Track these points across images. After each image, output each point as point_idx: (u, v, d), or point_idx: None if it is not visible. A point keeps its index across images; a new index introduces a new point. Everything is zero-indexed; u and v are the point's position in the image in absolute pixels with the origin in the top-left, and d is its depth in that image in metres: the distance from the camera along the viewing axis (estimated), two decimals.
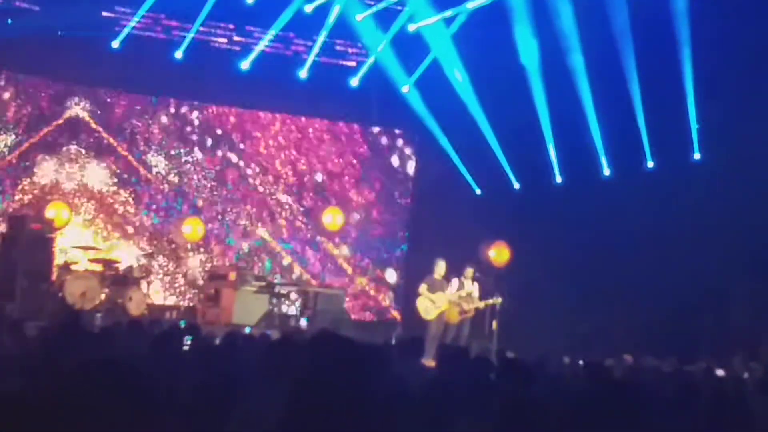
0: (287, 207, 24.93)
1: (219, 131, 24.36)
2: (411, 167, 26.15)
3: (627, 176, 21.92)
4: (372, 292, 25.69)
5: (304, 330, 19.97)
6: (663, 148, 21.43)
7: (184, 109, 24.06)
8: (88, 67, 22.01)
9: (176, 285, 23.61)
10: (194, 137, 24.16)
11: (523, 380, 7.97)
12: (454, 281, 20.43)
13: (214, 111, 24.40)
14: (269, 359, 6.91)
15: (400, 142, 26.08)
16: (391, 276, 25.91)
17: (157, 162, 23.69)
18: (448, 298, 20.21)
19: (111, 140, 23.15)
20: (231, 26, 22.88)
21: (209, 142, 24.25)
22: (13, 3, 21.20)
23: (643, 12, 19.28)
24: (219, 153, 24.35)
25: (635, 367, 15.75)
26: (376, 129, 25.82)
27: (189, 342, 9.99)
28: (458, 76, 22.13)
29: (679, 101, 20.34)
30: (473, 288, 20.51)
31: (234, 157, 24.47)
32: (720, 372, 14.67)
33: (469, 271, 20.57)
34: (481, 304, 20.45)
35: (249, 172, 24.57)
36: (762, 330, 19.16)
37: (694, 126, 20.79)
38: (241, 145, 24.56)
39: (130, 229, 23.38)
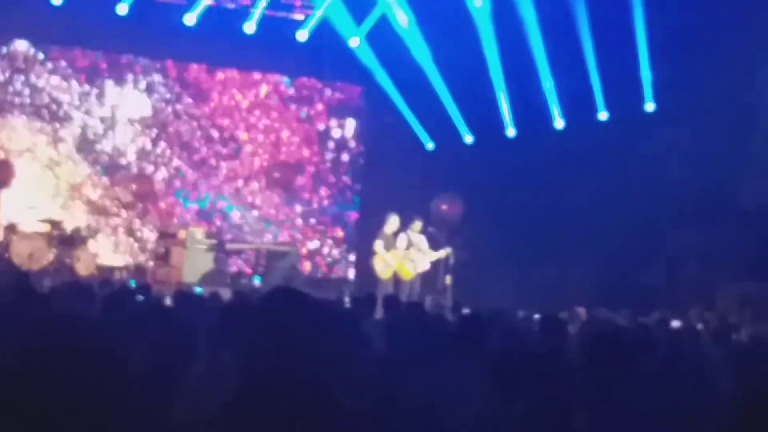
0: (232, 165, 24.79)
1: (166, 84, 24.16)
2: (361, 121, 25.97)
3: (579, 128, 21.89)
4: (325, 250, 25.59)
5: (257, 289, 19.84)
6: (616, 99, 21.40)
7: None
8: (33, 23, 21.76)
9: (124, 244, 23.40)
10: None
11: (480, 335, 7.89)
12: (402, 236, 20.33)
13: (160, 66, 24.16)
14: (223, 320, 6.80)
15: (350, 96, 25.89)
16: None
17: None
18: (400, 255, 20.15)
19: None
20: None
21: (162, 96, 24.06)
22: None
23: None
24: (168, 107, 24.12)
25: (589, 320, 15.76)
26: (325, 83, 25.58)
27: (140, 300, 9.86)
28: (403, 21, 21.93)
29: (631, 51, 20.30)
30: (423, 241, 20.45)
31: (182, 112, 24.22)
32: (675, 323, 14.71)
33: (417, 225, 20.48)
34: (434, 256, 20.43)
35: (198, 128, 24.35)
36: (716, 281, 19.23)
37: (646, 76, 20.76)
38: (184, 99, 24.34)
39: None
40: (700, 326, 15.08)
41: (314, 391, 3.62)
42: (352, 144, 25.94)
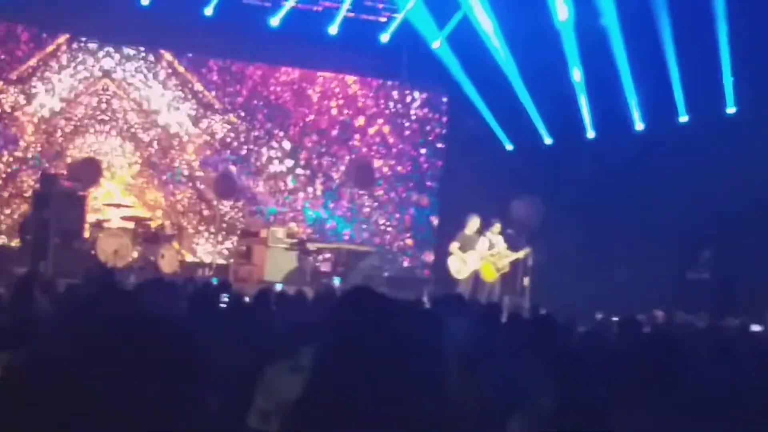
0: (319, 165, 24.99)
1: (250, 86, 24.37)
2: (442, 123, 26.04)
3: (660, 130, 21.76)
4: (405, 251, 25.70)
5: (338, 288, 20.00)
6: (696, 101, 21.25)
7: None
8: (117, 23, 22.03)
9: (207, 242, 23.67)
10: (232, 95, 24.20)
11: (557, 337, 7.94)
12: (483, 239, 20.44)
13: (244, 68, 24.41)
14: (302, 318, 6.90)
15: (431, 97, 25.97)
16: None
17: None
18: (480, 256, 20.24)
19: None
20: None
21: (243, 100, 24.29)
22: None
23: None
24: (252, 107, 24.36)
25: (667, 323, 15.71)
26: (407, 85, 25.68)
27: (226, 299, 10.01)
28: (487, 25, 21.96)
29: (712, 54, 20.13)
30: (502, 242, 20.54)
31: (267, 113, 24.45)
32: (756, 327, 14.61)
33: (497, 226, 20.60)
34: (513, 257, 20.49)
35: (277, 129, 24.58)
36: None
37: (728, 79, 20.59)
38: (274, 101, 24.57)
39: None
40: None
41: (388, 390, 3.68)
42: (434, 145, 26.01)
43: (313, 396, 3.72)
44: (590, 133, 23.17)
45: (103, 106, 22.89)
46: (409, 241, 25.76)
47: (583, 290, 19.94)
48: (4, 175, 22.11)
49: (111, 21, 21.80)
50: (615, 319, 14.12)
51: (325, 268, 23.02)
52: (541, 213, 22.76)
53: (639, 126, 22.35)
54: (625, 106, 22.06)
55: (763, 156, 19.24)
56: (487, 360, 6.64)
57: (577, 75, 22.08)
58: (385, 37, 23.11)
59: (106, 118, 22.90)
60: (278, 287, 17.61)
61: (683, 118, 21.55)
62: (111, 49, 23.01)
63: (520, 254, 20.62)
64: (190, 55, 23.79)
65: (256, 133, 24.37)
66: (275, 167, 24.50)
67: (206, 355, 3.50)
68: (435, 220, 25.90)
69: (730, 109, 20.83)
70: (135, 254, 20.07)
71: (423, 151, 25.94)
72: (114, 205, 21.83)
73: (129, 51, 23.21)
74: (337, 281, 21.17)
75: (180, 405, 3.29)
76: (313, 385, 3.79)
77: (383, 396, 3.65)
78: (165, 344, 3.41)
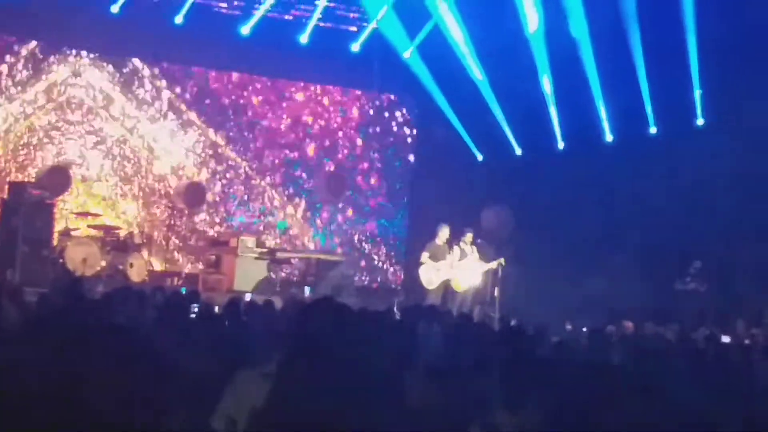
0: (286, 175, 24.95)
1: (221, 95, 24.31)
2: (412, 133, 26.07)
3: (629, 142, 21.87)
4: (374, 260, 25.69)
5: (307, 298, 19.97)
6: (666, 113, 21.37)
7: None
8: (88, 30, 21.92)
9: (176, 251, 23.57)
10: (201, 104, 24.13)
11: (527, 347, 7.95)
12: (455, 249, 20.48)
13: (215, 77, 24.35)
14: (269, 328, 6.89)
15: (401, 107, 26.00)
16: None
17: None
18: (450, 267, 20.28)
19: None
20: None
21: (211, 107, 24.20)
22: None
23: None
24: (222, 116, 24.29)
25: (637, 334, 15.76)
26: (378, 95, 25.70)
27: (195, 309, 9.98)
28: (458, 36, 22.00)
29: (681, 66, 20.26)
30: (474, 252, 20.58)
31: (238, 123, 24.39)
32: (724, 338, 14.68)
33: (469, 236, 20.65)
34: (486, 267, 20.54)
35: (250, 137, 24.52)
36: (764, 296, 19.14)
37: (696, 91, 20.72)
38: (247, 111, 24.52)
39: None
40: (747, 342, 15.07)
41: (349, 399, 3.68)
42: (405, 155, 26.04)
43: (277, 402, 3.72)
44: (560, 144, 23.23)
45: (73, 115, 22.73)
46: (379, 251, 25.73)
47: (552, 301, 19.97)
48: None
49: (81, 29, 21.68)
50: (584, 329, 14.18)
51: (295, 277, 22.99)
52: (511, 223, 22.79)
53: (609, 137, 22.44)
54: (595, 117, 22.16)
55: (730, 167, 19.36)
56: (454, 371, 6.63)
57: (547, 85, 22.15)
58: (355, 47, 23.10)
59: (76, 126, 22.74)
60: (248, 297, 17.56)
61: (652, 130, 21.67)
62: (82, 57, 22.86)
63: (493, 264, 20.65)
64: (164, 64, 23.67)
65: (227, 143, 24.26)
66: (245, 176, 24.41)
67: (173, 363, 3.48)
68: (405, 230, 25.89)
69: (699, 121, 20.97)
70: (103, 263, 19.95)
71: (394, 161, 25.94)
72: (82, 214, 21.71)
73: (98, 59, 23.05)
74: (307, 290, 21.13)
75: (146, 412, 3.28)
76: (276, 391, 3.79)
77: (344, 404, 3.65)
78: (131, 352, 3.39)
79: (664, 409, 5.44)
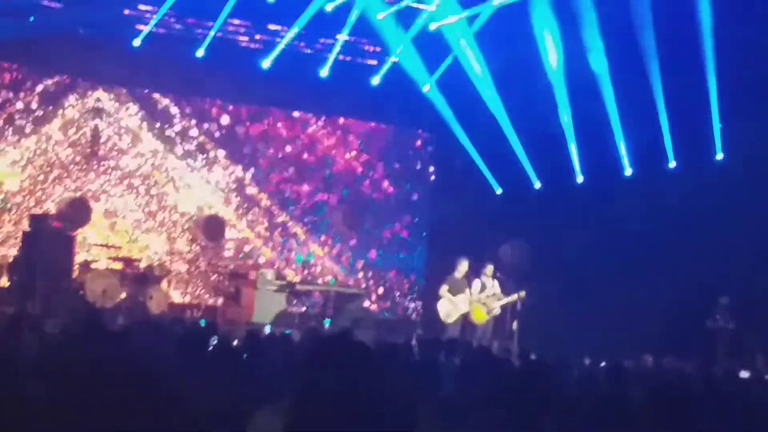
0: (305, 206, 24.98)
1: (243, 129, 24.39)
2: (432, 166, 26.10)
3: (649, 176, 21.85)
4: (394, 293, 25.66)
5: (326, 331, 19.96)
6: (685, 148, 21.37)
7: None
8: (110, 65, 22.03)
9: (196, 284, 23.59)
10: (218, 135, 24.19)
11: (545, 382, 7.92)
12: (476, 281, 20.53)
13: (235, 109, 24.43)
14: (288, 362, 6.89)
15: (421, 140, 26.04)
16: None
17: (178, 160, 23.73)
18: (469, 300, 20.29)
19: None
20: (252, 24, 22.80)
21: (233, 140, 24.29)
22: (35, 0, 21.16)
23: (666, 11, 19.18)
24: (244, 150, 24.36)
25: (657, 368, 15.69)
26: (397, 128, 25.75)
27: (214, 342, 9.97)
28: (477, 70, 22.02)
29: (702, 101, 20.26)
30: (495, 285, 20.61)
31: (255, 154, 24.46)
32: (744, 373, 14.60)
33: (490, 268, 20.70)
34: (506, 301, 20.53)
35: (268, 170, 24.58)
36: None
37: (717, 126, 20.72)
38: (263, 143, 24.58)
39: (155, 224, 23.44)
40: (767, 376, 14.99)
41: None
42: (424, 188, 26.06)
43: None
44: (579, 178, 23.21)
45: (96, 147, 22.82)
46: (399, 284, 25.71)
47: (571, 335, 19.92)
48: None
49: (102, 63, 21.82)
50: (603, 364, 14.11)
51: (314, 310, 23.00)
52: (530, 257, 22.76)
53: (628, 171, 22.43)
54: (614, 151, 22.16)
55: (751, 201, 19.34)
56: (472, 405, 6.62)
57: (566, 118, 22.16)
58: (376, 80, 23.16)
59: (98, 159, 22.84)
60: (267, 329, 17.58)
61: (672, 164, 21.65)
62: (103, 91, 22.98)
63: (513, 297, 20.65)
64: (184, 98, 23.78)
65: (247, 175, 24.33)
66: (266, 209, 24.46)
67: (190, 396, 3.49)
68: (424, 264, 25.88)
69: (719, 155, 20.95)
70: (123, 295, 20.00)
71: (413, 194, 25.97)
72: (103, 246, 21.79)
73: (120, 92, 23.17)
74: (327, 323, 21.12)
75: None
76: (291, 428, 3.80)
77: None
78: (148, 385, 3.40)
79: None
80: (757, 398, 9.90)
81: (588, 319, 20.88)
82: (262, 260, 23.93)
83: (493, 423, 6.24)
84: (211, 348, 9.56)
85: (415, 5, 21.14)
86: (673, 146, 21.54)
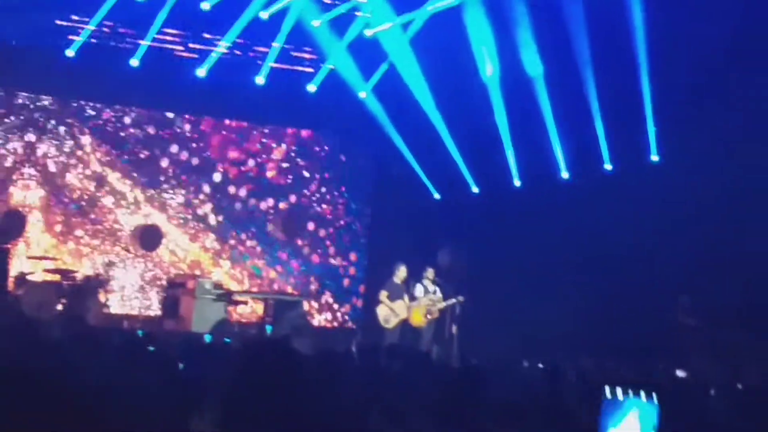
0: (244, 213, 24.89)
1: (180, 137, 24.27)
2: (369, 173, 26.08)
3: (585, 179, 22.02)
4: (332, 300, 25.62)
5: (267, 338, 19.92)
6: (621, 150, 21.56)
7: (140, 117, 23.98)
8: (43, 76, 21.86)
9: (133, 294, 23.45)
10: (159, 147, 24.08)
11: (483, 385, 7.97)
12: (419, 286, 20.62)
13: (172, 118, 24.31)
14: (225, 370, 6.87)
15: (357, 147, 26.01)
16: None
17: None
18: (407, 305, 20.36)
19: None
20: (187, 33, 22.69)
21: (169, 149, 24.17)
22: None
23: (599, 15, 19.36)
24: (181, 158, 24.25)
25: (595, 370, 15.80)
26: (335, 135, 25.73)
27: (152, 351, 9.92)
28: (413, 76, 22.08)
29: (636, 104, 20.46)
30: (437, 289, 20.70)
31: (191, 160, 24.33)
32: (680, 373, 14.77)
33: (430, 272, 20.78)
34: (445, 304, 20.63)
35: (206, 178, 24.48)
36: (720, 331, 19.23)
37: (651, 128, 20.93)
38: (196, 149, 24.46)
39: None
40: (704, 376, 15.15)
41: None
42: (362, 195, 26.04)
43: None
44: (517, 182, 23.33)
45: (28, 157, 22.64)
46: (337, 291, 25.68)
47: (508, 337, 20.03)
48: None
49: (37, 73, 21.66)
50: (541, 366, 14.21)
51: (253, 318, 22.91)
52: (466, 261, 22.86)
53: (564, 174, 22.59)
54: (550, 155, 22.31)
55: (686, 202, 19.56)
56: (412, 410, 6.64)
57: (502, 124, 22.25)
58: (312, 88, 23.14)
59: (31, 170, 22.65)
60: (206, 339, 17.49)
61: (608, 167, 21.84)
62: (38, 102, 22.81)
63: (452, 301, 20.74)
64: (117, 106, 23.64)
65: (179, 186, 24.20)
66: (202, 217, 24.36)
67: (125, 406, 3.48)
68: (363, 270, 25.86)
69: (654, 157, 21.17)
70: (60, 307, 19.82)
71: (351, 201, 25.95)
72: (38, 258, 21.58)
73: (51, 102, 23.00)
74: (268, 330, 21.06)
75: None
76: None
77: None
78: (85, 396, 3.39)
79: None
80: (690, 397, 10.00)
81: (527, 321, 20.99)
82: (198, 270, 23.80)
83: (433, 427, 6.27)
84: (148, 357, 9.52)
85: (350, 12, 21.19)
86: (608, 149, 21.73)
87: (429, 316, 20.71)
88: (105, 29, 21.91)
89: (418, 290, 20.73)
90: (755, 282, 18.89)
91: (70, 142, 23.07)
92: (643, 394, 3.21)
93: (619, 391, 3.25)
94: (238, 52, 22.87)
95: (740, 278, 19.18)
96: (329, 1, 21.31)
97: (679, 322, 20.03)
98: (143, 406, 5.71)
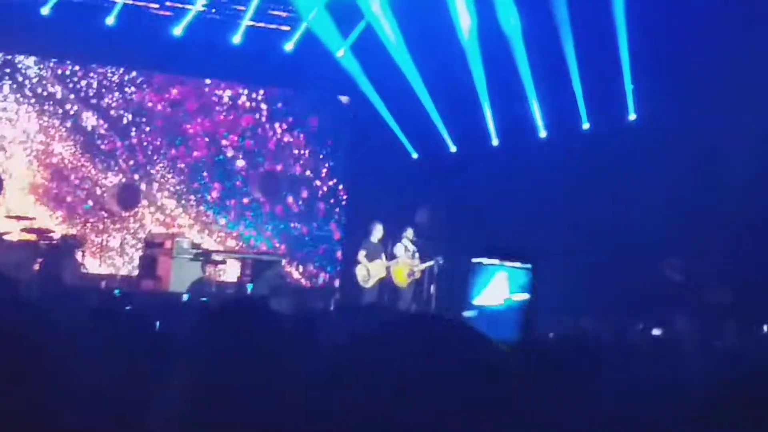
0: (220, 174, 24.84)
1: (156, 97, 24.17)
2: (346, 131, 26.01)
3: (563, 138, 22.03)
4: (311, 259, 25.62)
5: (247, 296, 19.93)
6: (598, 109, 21.56)
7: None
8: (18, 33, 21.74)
9: (110, 254, 23.44)
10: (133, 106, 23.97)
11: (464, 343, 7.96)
12: (399, 245, 20.64)
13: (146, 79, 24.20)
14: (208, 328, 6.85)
15: (336, 107, 25.93)
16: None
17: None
18: (386, 265, 20.39)
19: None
20: None
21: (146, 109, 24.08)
22: None
23: None
24: (157, 120, 24.15)
25: (574, 329, 15.85)
26: (312, 94, 25.63)
27: (128, 311, 9.92)
28: (390, 35, 22.02)
29: (613, 62, 20.46)
30: (415, 249, 20.73)
31: (169, 123, 24.26)
32: (656, 331, 14.83)
33: (410, 232, 20.79)
34: (425, 265, 20.68)
35: (185, 139, 24.41)
36: (701, 289, 19.27)
37: (629, 87, 20.95)
38: (177, 112, 24.37)
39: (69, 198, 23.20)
40: (682, 333, 15.21)
41: (252, 401, 3.67)
42: (339, 154, 25.98)
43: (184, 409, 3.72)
44: (495, 141, 23.33)
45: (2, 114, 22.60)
46: (316, 250, 25.68)
47: None
48: None
49: (12, 31, 21.54)
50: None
51: (231, 277, 22.90)
52: (443, 220, 22.88)
53: (542, 133, 22.61)
54: (528, 114, 22.32)
55: (662, 161, 19.60)
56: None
57: (480, 82, 22.24)
58: (289, 46, 23.05)
59: (5, 128, 22.60)
60: (184, 298, 17.50)
61: (585, 125, 21.86)
62: (11, 58, 22.71)
63: (431, 263, 20.78)
64: (93, 65, 23.53)
65: (158, 146, 24.13)
66: (180, 179, 24.31)
67: (99, 366, 3.48)
68: (342, 229, 25.84)
69: (631, 116, 21.20)
70: (37, 266, 19.77)
71: (330, 160, 25.89)
72: (15, 218, 21.49)
73: (30, 61, 22.90)
74: (248, 288, 21.07)
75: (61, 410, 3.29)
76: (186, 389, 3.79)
77: (246, 409, 3.64)
78: (62, 357, 3.39)
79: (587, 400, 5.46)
80: (667, 353, 10.04)
81: None
82: (177, 229, 23.76)
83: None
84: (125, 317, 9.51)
85: None
86: (586, 107, 21.74)
87: (411, 277, 20.74)
88: None
89: (398, 249, 20.75)
90: (738, 241, 18.92)
91: (49, 102, 22.97)
92: (516, 263, 3.33)
93: (486, 260, 3.33)
94: (214, 11, 22.74)
95: (723, 237, 19.20)
96: None
97: (666, 278, 20.04)
98: (118, 366, 5.71)
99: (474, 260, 3.81)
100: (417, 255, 20.90)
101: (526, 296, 3.70)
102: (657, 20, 19.43)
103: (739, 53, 18.70)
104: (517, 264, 3.63)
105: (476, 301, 3.48)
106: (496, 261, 3.77)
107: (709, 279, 19.34)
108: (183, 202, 24.35)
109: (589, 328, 15.87)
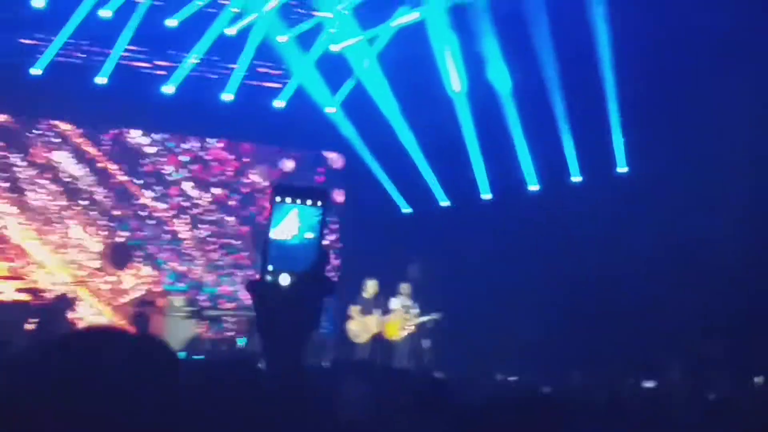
0: (214, 231, 24.84)
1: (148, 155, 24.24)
2: (340, 189, 26.03)
3: (554, 190, 22.06)
4: None
5: (241, 350, 19.94)
6: (589, 161, 21.60)
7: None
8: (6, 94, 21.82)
9: (104, 311, 23.37)
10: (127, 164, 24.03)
11: (448, 399, 7.94)
12: (394, 300, 20.57)
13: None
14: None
15: (328, 163, 25.97)
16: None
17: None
18: (379, 321, 20.33)
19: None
20: (153, 50, 22.60)
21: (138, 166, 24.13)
22: None
23: (565, 25, 19.41)
24: (148, 176, 24.21)
25: (566, 383, 15.82)
26: (304, 151, 25.69)
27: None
28: (381, 91, 22.09)
29: (603, 115, 20.52)
30: (413, 304, 20.67)
31: (163, 179, 24.32)
32: (649, 384, 14.78)
33: (406, 287, 20.72)
34: (423, 320, 20.60)
35: (177, 196, 24.44)
36: (689, 342, 19.24)
37: (619, 139, 21.00)
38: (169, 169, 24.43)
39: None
40: (673, 386, 15.17)
41: None
42: (332, 211, 25.97)
43: None
44: (486, 195, 23.35)
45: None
46: None
47: (482, 352, 20.02)
48: None
49: (3, 92, 21.62)
50: (513, 378, 14.23)
51: (226, 335, 22.83)
52: (434, 275, 22.84)
53: (534, 186, 22.64)
54: (519, 167, 22.35)
55: (652, 212, 19.63)
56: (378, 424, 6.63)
57: (471, 137, 22.31)
58: (279, 104, 23.12)
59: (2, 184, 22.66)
60: (180, 356, 17.43)
61: (576, 178, 21.89)
62: (7, 121, 22.81)
63: (425, 318, 20.70)
64: (82, 126, 23.60)
65: (148, 203, 24.16)
66: (173, 234, 24.31)
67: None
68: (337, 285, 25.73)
69: (622, 168, 21.25)
70: (32, 327, 19.69)
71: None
72: (7, 278, 21.45)
73: (22, 121, 22.97)
74: (241, 343, 21.00)
75: None
76: None
77: None
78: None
79: None
80: (660, 407, 10.03)
81: (499, 335, 21.00)
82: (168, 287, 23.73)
83: None
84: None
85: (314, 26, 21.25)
86: (577, 160, 21.78)
87: (405, 330, 20.66)
88: (70, 47, 21.80)
89: (393, 304, 20.67)
90: (730, 291, 18.90)
91: (38, 160, 23.02)
92: (309, 200, 3.37)
93: (286, 198, 3.36)
94: (204, 69, 22.82)
95: (714, 287, 19.18)
96: (295, 17, 21.32)
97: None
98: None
99: (276, 198, 3.83)
100: (413, 311, 20.80)
101: (313, 234, 3.73)
102: (647, 73, 19.51)
103: (729, 104, 18.76)
104: (308, 203, 3.65)
105: (272, 235, 3.50)
106: (289, 199, 3.82)
107: (700, 331, 19.28)
108: (175, 259, 24.29)
109: (579, 382, 15.87)
